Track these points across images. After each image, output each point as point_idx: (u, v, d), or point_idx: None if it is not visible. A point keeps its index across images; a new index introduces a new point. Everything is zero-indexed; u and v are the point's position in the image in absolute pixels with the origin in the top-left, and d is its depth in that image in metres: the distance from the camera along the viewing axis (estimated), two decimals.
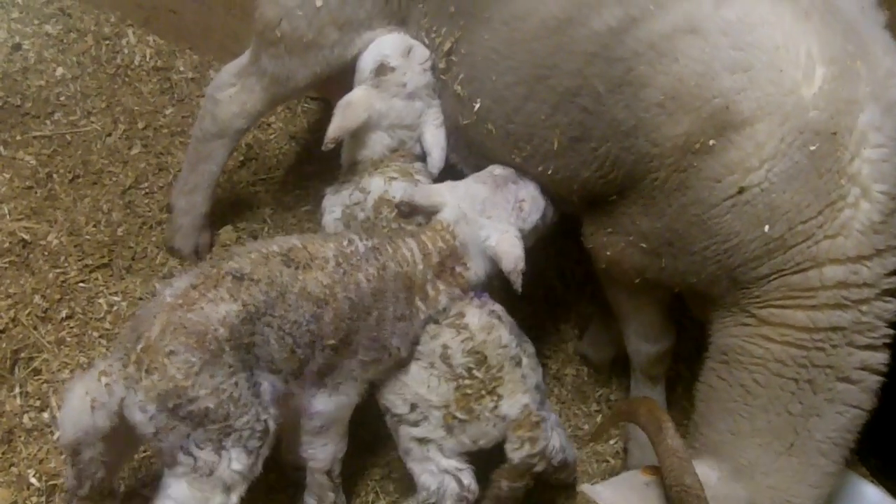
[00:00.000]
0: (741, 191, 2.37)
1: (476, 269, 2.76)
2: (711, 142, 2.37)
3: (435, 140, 3.08)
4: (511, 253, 2.69)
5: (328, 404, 2.63)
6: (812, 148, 2.31)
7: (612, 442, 3.43)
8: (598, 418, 3.50)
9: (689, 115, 2.39)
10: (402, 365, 2.72)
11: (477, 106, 2.84)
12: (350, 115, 2.99)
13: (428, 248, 2.71)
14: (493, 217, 2.77)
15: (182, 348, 2.27)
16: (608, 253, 2.77)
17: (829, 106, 2.31)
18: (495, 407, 2.67)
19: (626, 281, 2.81)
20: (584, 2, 2.54)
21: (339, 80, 3.20)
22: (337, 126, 2.97)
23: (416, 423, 2.72)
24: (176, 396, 2.26)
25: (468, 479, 2.73)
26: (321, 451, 2.72)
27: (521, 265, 2.68)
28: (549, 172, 2.77)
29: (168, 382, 2.26)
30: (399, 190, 2.97)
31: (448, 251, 2.73)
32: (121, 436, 2.38)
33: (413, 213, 2.86)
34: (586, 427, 3.48)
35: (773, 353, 2.47)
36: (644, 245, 2.63)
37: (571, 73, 2.58)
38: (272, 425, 2.43)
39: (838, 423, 2.46)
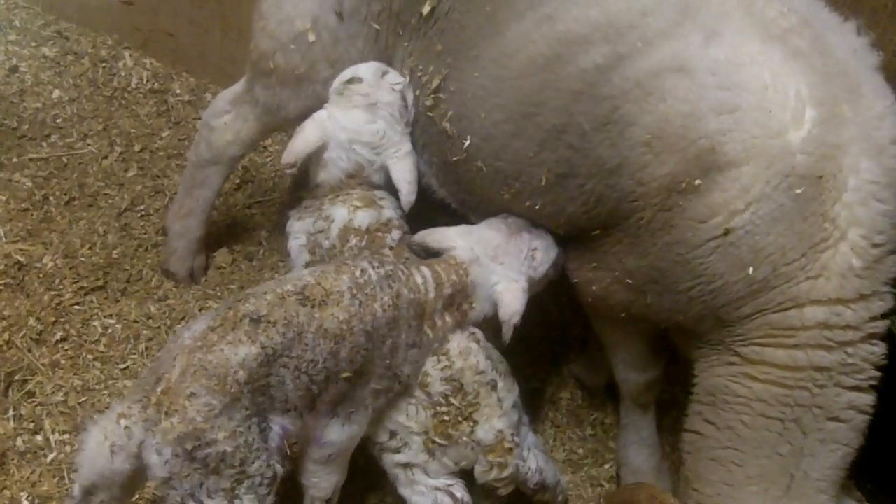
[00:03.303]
0: (726, 233, 2.37)
1: (480, 311, 2.79)
2: (697, 182, 2.37)
3: (402, 173, 2.98)
4: (512, 304, 2.74)
5: (341, 434, 2.62)
6: (797, 191, 2.32)
7: (606, 466, 3.45)
8: (593, 442, 3.52)
9: (674, 155, 2.38)
10: (408, 393, 2.72)
11: (466, 143, 2.83)
12: (303, 137, 2.96)
13: (442, 279, 2.72)
14: (505, 264, 2.80)
15: (203, 391, 2.25)
16: (594, 288, 2.79)
17: (816, 150, 2.31)
18: (472, 432, 2.70)
19: (613, 315, 2.82)
20: (571, 39, 2.53)
21: None
22: (289, 149, 2.95)
23: (397, 450, 2.75)
24: (194, 439, 2.23)
25: (460, 491, 2.75)
26: (325, 480, 2.72)
27: (517, 319, 2.73)
28: (537, 207, 2.77)
29: (187, 425, 2.23)
30: (364, 219, 2.94)
31: (460, 286, 2.75)
32: (136, 477, 2.34)
33: (424, 255, 2.87)
34: (581, 451, 3.49)
35: (756, 392, 2.48)
36: (629, 282, 2.64)
37: (558, 111, 2.57)
38: (279, 471, 2.42)
39: (831, 461, 2.47)
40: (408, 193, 2.97)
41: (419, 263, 2.78)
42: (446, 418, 2.70)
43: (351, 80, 2.99)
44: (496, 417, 2.72)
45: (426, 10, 2.84)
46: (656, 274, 2.55)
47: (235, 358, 2.30)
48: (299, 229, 3.06)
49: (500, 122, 2.71)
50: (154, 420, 2.25)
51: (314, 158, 3.01)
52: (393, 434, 2.74)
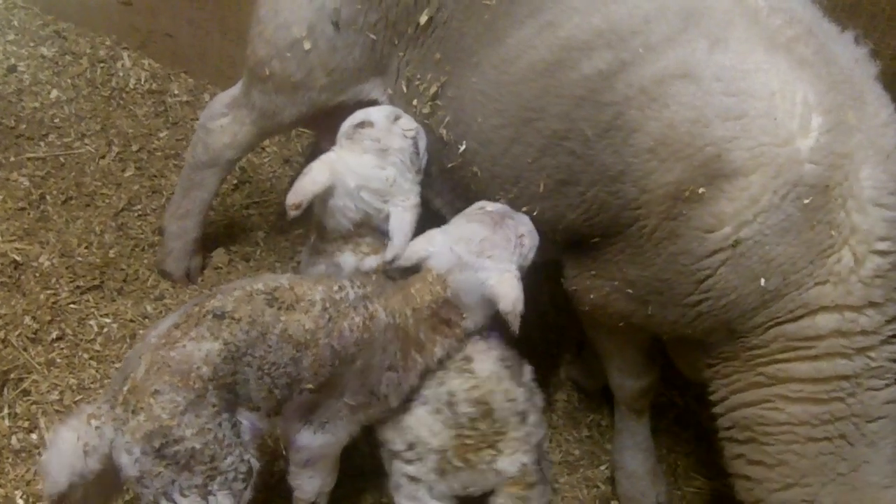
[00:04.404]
0: (736, 244, 2.34)
1: (474, 318, 2.64)
2: (701, 190, 2.34)
3: (400, 224, 2.78)
4: (510, 294, 2.55)
5: (312, 441, 2.61)
6: (806, 201, 2.30)
7: (602, 468, 3.45)
8: (589, 444, 3.53)
9: (680, 162, 2.36)
10: (394, 412, 2.67)
11: (462, 148, 2.79)
12: (311, 177, 2.78)
13: (416, 302, 2.61)
14: (494, 257, 2.60)
15: (167, 388, 2.26)
16: (591, 296, 2.74)
17: (824, 159, 2.30)
18: (493, 461, 2.62)
19: (610, 324, 2.79)
20: (573, 45, 2.51)
21: (327, 118, 3.18)
22: (296, 190, 2.76)
23: (410, 462, 2.68)
24: (161, 436, 2.23)
25: None
26: (307, 483, 2.72)
27: (520, 307, 2.56)
28: (535, 214, 2.72)
29: (153, 422, 2.23)
30: (373, 262, 2.86)
31: (441, 302, 2.61)
32: (106, 481, 2.35)
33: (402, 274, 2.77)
34: (577, 452, 3.50)
35: (794, 415, 2.42)
36: (630, 292, 2.60)
37: (559, 117, 2.54)
38: (255, 465, 2.42)
39: (885, 455, 2.42)
40: (399, 245, 2.76)
41: (396, 288, 2.66)
42: (469, 442, 2.59)
43: (362, 124, 2.86)
44: (521, 452, 2.62)
45: (423, 19, 2.82)
46: (659, 285, 2.52)
47: (198, 354, 2.30)
48: (312, 275, 2.98)
49: (499, 128, 2.69)
50: (122, 419, 2.26)
51: (321, 203, 2.88)
52: (411, 446, 2.67)
